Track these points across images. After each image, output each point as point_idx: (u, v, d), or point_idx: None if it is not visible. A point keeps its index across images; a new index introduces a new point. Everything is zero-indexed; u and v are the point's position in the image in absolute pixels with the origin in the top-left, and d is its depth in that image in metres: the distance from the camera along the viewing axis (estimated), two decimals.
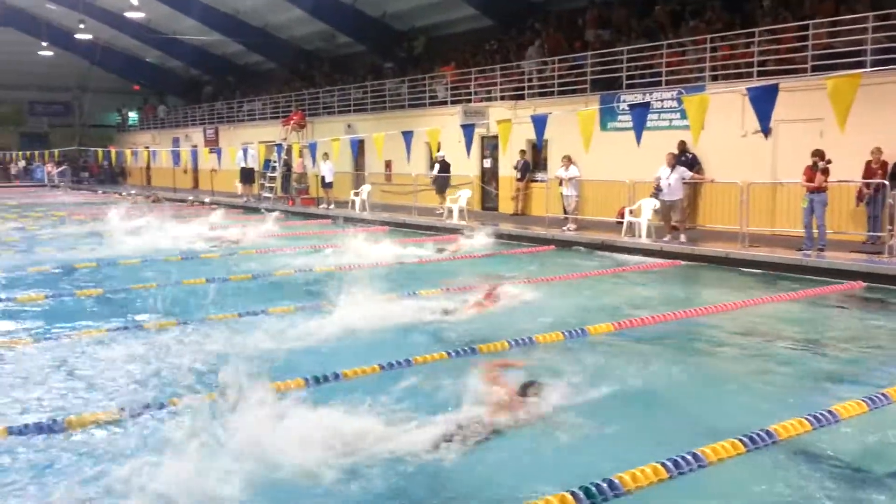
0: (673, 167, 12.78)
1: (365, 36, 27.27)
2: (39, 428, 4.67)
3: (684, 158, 13.73)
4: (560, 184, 15.45)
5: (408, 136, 15.69)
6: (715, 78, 14.46)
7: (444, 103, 20.78)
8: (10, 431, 4.61)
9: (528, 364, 5.90)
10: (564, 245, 13.54)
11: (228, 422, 4.31)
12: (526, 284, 9.20)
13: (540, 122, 12.79)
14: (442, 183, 18.75)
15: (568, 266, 11.46)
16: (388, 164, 22.21)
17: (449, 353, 6.26)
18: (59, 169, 37.28)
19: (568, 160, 15.25)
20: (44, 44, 36.24)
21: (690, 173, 13.17)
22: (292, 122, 25.01)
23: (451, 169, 18.66)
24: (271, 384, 4.80)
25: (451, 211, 17.36)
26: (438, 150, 18.17)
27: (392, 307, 7.67)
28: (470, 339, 6.76)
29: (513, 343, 6.55)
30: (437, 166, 18.80)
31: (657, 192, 12.98)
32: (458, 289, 9.06)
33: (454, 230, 15.29)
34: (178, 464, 3.84)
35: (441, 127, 16.39)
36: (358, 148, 21.44)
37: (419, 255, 12.36)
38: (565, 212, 15.42)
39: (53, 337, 6.91)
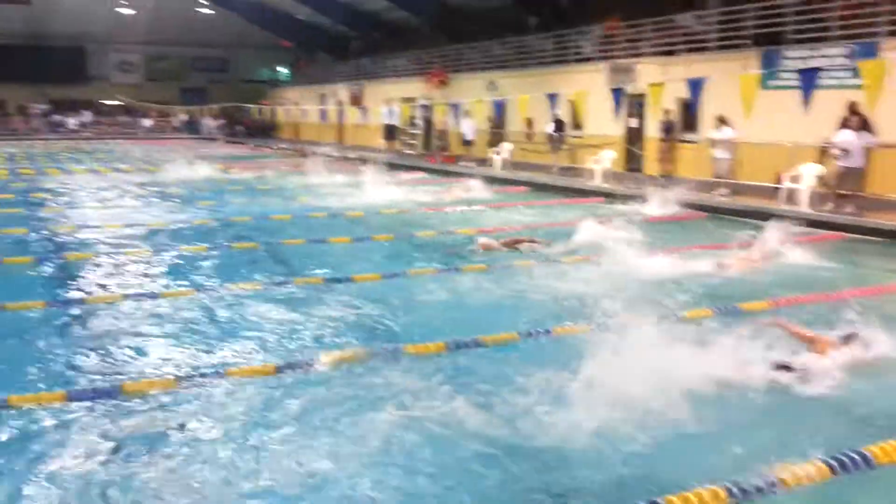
0: (858, 131, 11.74)
1: None
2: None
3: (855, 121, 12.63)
4: (711, 145, 14.70)
5: (552, 97, 15.35)
6: (894, 33, 13.14)
7: (589, 59, 20.16)
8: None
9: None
10: (714, 212, 12.85)
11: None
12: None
13: (696, 86, 12.11)
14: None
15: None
16: (529, 122, 21.91)
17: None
18: (217, 123, 39.34)
19: (721, 120, 14.44)
20: (204, 2, 38.12)
21: (876, 139, 12.06)
22: (435, 79, 25.10)
23: (596, 128, 18.17)
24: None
25: (593, 173, 16.93)
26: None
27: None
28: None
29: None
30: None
31: (839, 156, 11.95)
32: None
33: (609, 193, 14.77)
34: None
35: (585, 85, 15.93)
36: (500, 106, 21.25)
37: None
38: (716, 175, 14.66)
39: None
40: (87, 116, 40.06)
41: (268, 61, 43.64)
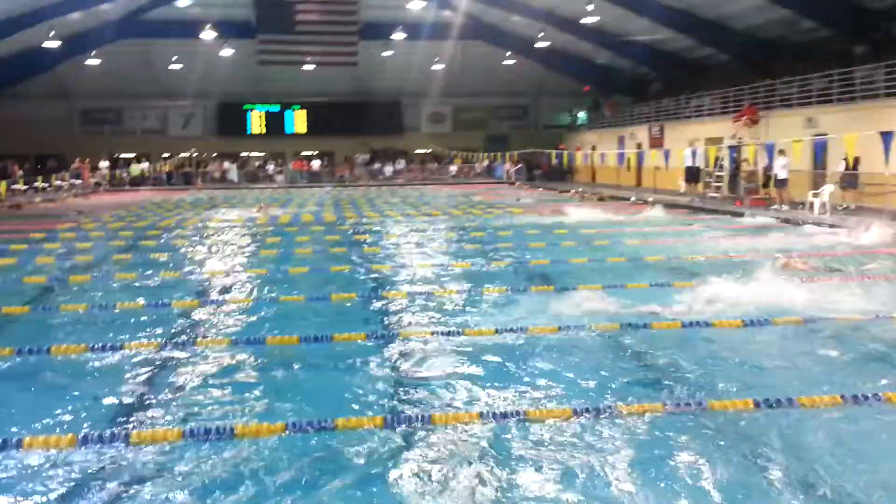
0: None
1: (832, 18, 24.48)
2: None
3: None
4: None
5: (887, 136, 13.57)
6: None
7: None
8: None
9: None
10: None
11: None
12: None
13: None
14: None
15: None
16: (855, 161, 19.62)
17: None
18: (516, 167, 40.78)
19: None
20: (507, 53, 39.99)
21: None
22: (744, 117, 23.62)
23: None
24: None
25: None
26: None
27: None
28: None
29: None
30: None
31: None
32: None
33: None
34: None
35: None
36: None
37: None
38: None
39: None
40: (400, 164, 43.81)
41: (566, 106, 44.47)
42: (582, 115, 43.84)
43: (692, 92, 31.14)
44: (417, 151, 45.85)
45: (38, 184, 31.61)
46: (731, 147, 22.50)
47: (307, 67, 40.13)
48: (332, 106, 43.58)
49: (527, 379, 5.97)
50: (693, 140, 25.34)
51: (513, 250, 13.47)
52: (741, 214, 19.23)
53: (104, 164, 38.92)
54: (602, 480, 4.19)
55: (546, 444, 4.67)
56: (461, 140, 44.75)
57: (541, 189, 34.25)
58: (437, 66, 40.77)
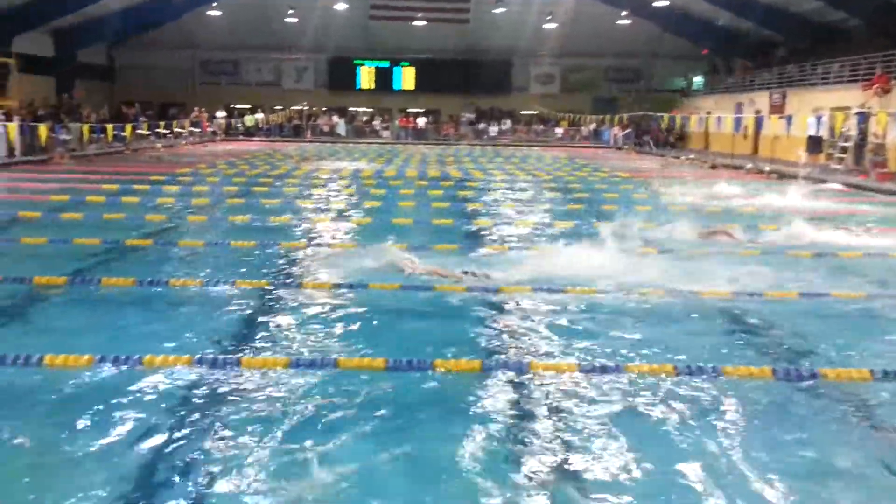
0: None
1: None
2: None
3: None
4: None
5: None
6: None
7: None
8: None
9: None
10: None
11: None
12: None
13: None
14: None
15: None
16: None
17: None
18: (624, 132, 39.74)
19: None
20: (623, 12, 38.77)
21: None
22: (875, 86, 22.15)
23: None
24: None
25: None
26: None
27: None
28: None
29: None
30: None
31: None
32: None
33: None
34: None
35: None
36: None
37: None
38: None
39: None
40: (506, 124, 43.47)
41: (680, 70, 42.85)
42: (698, 79, 42.14)
43: (818, 58, 29.38)
44: (523, 112, 45.34)
45: (161, 130, 33.23)
46: (858, 113, 21.16)
47: (417, 23, 40.15)
48: (440, 63, 43.56)
49: (629, 337, 5.87)
50: (817, 109, 23.95)
51: (618, 213, 13.20)
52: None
53: (221, 114, 40.38)
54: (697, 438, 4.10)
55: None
56: (568, 102, 43.96)
57: (651, 155, 33.30)
58: (549, 26, 39.98)
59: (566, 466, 3.77)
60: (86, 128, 26.10)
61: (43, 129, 22.83)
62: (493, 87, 44.15)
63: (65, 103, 32.07)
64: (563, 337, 5.83)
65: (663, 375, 4.91)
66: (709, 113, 33.86)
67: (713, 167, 25.33)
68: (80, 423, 4.13)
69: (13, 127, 22.04)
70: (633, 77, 45.51)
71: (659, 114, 36.57)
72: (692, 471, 3.72)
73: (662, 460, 3.83)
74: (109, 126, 27.03)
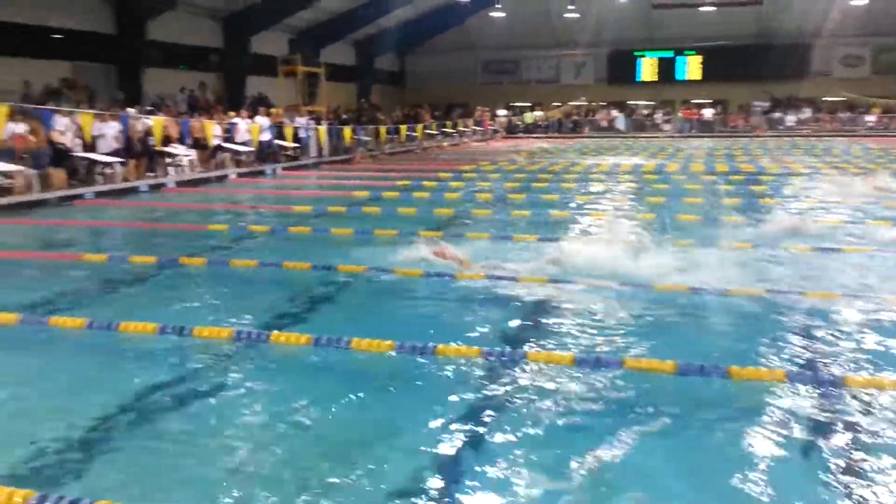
0: None
1: None
2: None
3: None
4: None
5: None
6: None
7: None
8: None
9: None
10: None
11: None
12: None
13: None
14: None
15: None
16: None
17: None
18: None
19: None
20: None
21: None
22: None
23: None
24: None
25: None
26: None
27: None
28: None
29: None
30: None
31: None
32: None
33: None
34: None
35: None
36: None
37: None
38: None
39: None
40: (805, 113, 39.78)
41: None
42: None
43: None
44: (825, 99, 41.12)
45: (447, 129, 35.19)
46: None
47: (705, 9, 38.15)
48: (729, 50, 41.00)
49: None
50: None
51: None
52: None
53: (502, 112, 41.73)
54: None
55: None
56: (881, 86, 39.09)
57: None
58: (856, 1, 35.79)
59: None
60: (382, 129, 28.35)
61: (347, 132, 25.24)
62: (788, 73, 40.46)
63: (364, 108, 35.15)
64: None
65: None
66: None
67: None
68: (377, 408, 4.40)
69: (323, 130, 24.56)
70: None
71: None
72: None
73: None
74: (403, 127, 29.15)
